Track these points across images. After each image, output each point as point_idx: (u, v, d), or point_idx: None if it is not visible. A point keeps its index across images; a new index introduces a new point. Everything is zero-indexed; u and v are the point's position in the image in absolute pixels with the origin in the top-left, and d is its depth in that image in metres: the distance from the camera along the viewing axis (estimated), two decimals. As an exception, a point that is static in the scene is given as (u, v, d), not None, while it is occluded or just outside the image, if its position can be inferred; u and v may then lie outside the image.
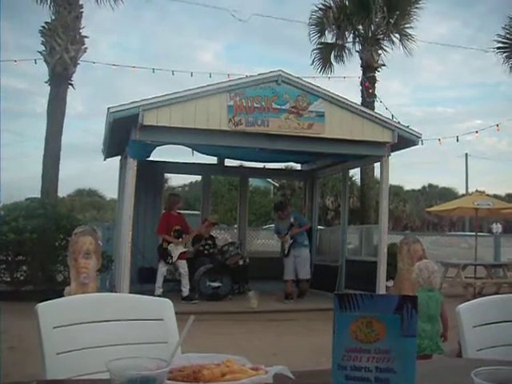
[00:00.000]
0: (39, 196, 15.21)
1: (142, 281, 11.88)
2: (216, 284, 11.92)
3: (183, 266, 11.64)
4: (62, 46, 16.14)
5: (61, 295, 2.22)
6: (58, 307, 2.22)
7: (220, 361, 1.65)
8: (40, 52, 16.58)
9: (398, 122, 12.14)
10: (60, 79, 16.24)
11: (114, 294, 2.76)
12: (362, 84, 19.82)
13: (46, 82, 16.43)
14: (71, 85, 16.69)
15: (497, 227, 23.60)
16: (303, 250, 12.76)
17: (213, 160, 14.95)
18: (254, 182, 28.99)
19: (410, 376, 1.32)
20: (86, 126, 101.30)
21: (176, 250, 11.55)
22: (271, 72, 11.03)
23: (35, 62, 17.12)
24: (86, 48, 16.96)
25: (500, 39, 20.34)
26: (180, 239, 11.66)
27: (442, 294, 6.42)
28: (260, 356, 1.62)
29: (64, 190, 46.27)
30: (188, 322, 1.53)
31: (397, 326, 1.30)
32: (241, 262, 12.59)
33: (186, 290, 11.50)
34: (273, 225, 26.34)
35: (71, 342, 2.15)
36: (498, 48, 20.50)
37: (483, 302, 2.81)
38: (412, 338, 1.31)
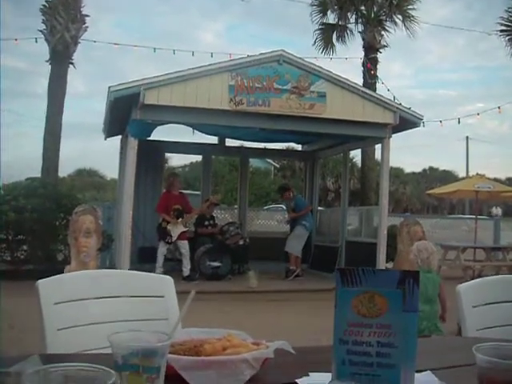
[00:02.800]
0: (40, 176, 15.20)
1: (143, 260, 11.90)
2: (216, 264, 11.93)
3: (184, 246, 11.65)
4: (63, 25, 16.03)
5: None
6: (59, 283, 2.21)
7: (221, 335, 1.65)
8: (41, 31, 16.49)
9: (400, 104, 12.10)
10: (61, 58, 16.16)
11: (115, 271, 2.75)
12: (363, 65, 19.73)
13: (46, 61, 16.36)
14: (72, 64, 16.61)
15: (497, 211, 23.61)
16: (297, 227, 12.97)
17: (213, 140, 14.91)
18: (254, 162, 28.96)
19: (411, 351, 1.33)
20: (86, 105, 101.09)
21: (175, 229, 11.54)
22: (273, 52, 10.99)
23: (36, 41, 17.03)
24: (86, 27, 16.87)
25: (503, 22, 20.21)
26: (180, 219, 11.65)
27: (440, 276, 6.41)
28: (259, 335, 1.63)
29: (65, 169, 46.17)
30: (189, 296, 1.53)
31: (399, 301, 1.30)
32: (241, 242, 12.61)
33: (186, 270, 11.53)
34: (273, 205, 26.53)
35: (72, 318, 2.15)
36: (501, 31, 20.37)
37: (483, 282, 2.81)
38: (413, 313, 1.32)
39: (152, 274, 2.53)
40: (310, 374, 1.55)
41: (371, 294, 1.31)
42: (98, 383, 1.04)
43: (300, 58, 11.29)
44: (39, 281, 2.12)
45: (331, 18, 20.93)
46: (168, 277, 2.47)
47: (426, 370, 1.58)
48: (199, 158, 16.81)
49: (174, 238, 11.52)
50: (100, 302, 2.27)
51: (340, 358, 1.34)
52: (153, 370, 1.28)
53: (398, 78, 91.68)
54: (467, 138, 45.76)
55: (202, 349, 1.54)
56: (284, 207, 14.92)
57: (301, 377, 1.53)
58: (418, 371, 1.39)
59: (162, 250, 11.60)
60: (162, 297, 2.38)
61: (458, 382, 1.50)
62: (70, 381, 1.08)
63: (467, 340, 2.21)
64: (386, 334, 1.31)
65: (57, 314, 2.11)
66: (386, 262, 11.69)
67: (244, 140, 14.92)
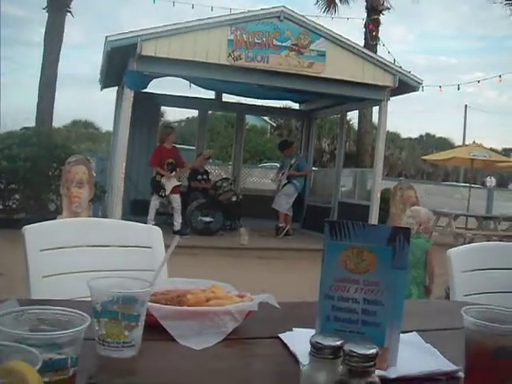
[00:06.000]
0: (34, 126, 15.09)
1: (135, 213, 11.87)
2: (208, 219, 11.94)
3: (176, 200, 11.63)
4: (62, -29, 15.75)
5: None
6: (46, 230, 2.18)
7: (205, 286, 1.63)
8: (39, -24, 16.21)
9: (400, 67, 12.00)
10: (59, 6, 15.88)
11: (103, 220, 2.72)
12: (365, 26, 19.53)
13: (44, 9, 16.09)
14: (70, 12, 16.35)
15: (490, 181, 23.63)
16: (287, 185, 12.88)
17: (210, 95, 14.82)
18: (250, 120, 28.77)
19: (398, 310, 1.30)
20: (83, 56, 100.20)
21: (169, 183, 11.49)
22: (274, 7, 10.87)
23: (33, -13, 16.75)
24: (86, -26, 16.59)
25: (509, -10, 19.99)
26: (173, 173, 11.60)
27: (431, 242, 6.33)
28: (247, 291, 1.62)
29: (60, 120, 45.82)
30: (173, 242, 1.50)
31: (388, 258, 1.27)
32: (233, 199, 12.59)
33: (177, 224, 11.52)
34: (268, 163, 26.47)
35: (57, 265, 2.13)
36: (506, 0, 20.14)
37: (474, 248, 2.81)
38: (402, 271, 1.29)
39: (140, 224, 2.49)
40: (293, 329, 1.53)
41: (360, 249, 1.28)
42: (72, 327, 1.02)
43: (301, 16, 11.15)
44: (25, 226, 2.09)
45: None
46: (156, 227, 2.45)
47: (411, 331, 1.57)
48: (195, 113, 16.71)
49: (167, 192, 11.49)
50: (87, 251, 2.25)
51: (325, 313, 1.32)
52: (132, 317, 1.26)
53: (399, 42, 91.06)
54: (466, 106, 45.50)
55: (185, 299, 1.52)
56: (278, 165, 14.82)
57: (284, 331, 1.51)
58: (403, 332, 1.37)
59: (155, 203, 11.59)
60: (150, 247, 2.35)
61: (444, 345, 1.48)
62: (44, 324, 1.06)
63: (455, 304, 2.20)
64: (374, 291, 1.29)
65: (42, 260, 2.09)
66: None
67: (241, 96, 14.80)
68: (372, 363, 0.98)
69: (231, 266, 9.58)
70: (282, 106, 18.06)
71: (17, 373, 0.79)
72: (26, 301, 1.75)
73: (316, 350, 1.00)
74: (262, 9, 10.93)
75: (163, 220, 11.71)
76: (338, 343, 1.00)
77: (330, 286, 1.30)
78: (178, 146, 12.69)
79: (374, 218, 11.56)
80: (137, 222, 2.52)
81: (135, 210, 12.19)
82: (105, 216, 12.28)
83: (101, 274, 2.11)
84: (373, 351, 0.98)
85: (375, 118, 14.95)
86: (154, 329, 1.39)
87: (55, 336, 0.98)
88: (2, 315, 1.02)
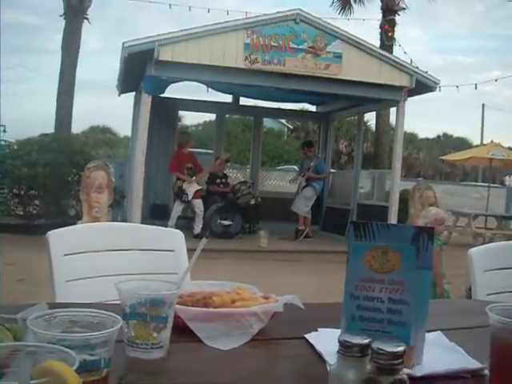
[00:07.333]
0: (53, 132, 15.20)
1: (154, 217, 11.93)
2: (227, 222, 11.95)
3: (198, 205, 11.65)
4: (78, -21, 15.89)
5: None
6: (69, 235, 2.20)
7: (230, 288, 1.65)
8: (56, -15, 16.38)
9: (417, 67, 11.95)
10: (75, 13, 16.05)
11: (125, 224, 2.75)
12: (381, 27, 19.48)
13: (61, 16, 16.24)
14: (87, 19, 16.49)
15: (509, 180, 23.46)
16: (306, 188, 12.81)
17: (228, 99, 14.85)
18: (267, 123, 28.78)
19: (423, 308, 1.31)
20: (100, 62, 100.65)
21: (191, 187, 11.51)
22: (289, 10, 10.87)
23: (51, -5, 16.94)
24: (102, -19, 16.73)
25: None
26: (194, 177, 11.63)
27: (439, 241, 6.08)
28: (267, 292, 1.64)
29: (78, 126, 46.13)
30: (200, 245, 1.51)
31: (412, 258, 1.28)
32: (252, 202, 12.58)
33: (197, 228, 11.54)
34: (285, 166, 26.45)
35: (81, 269, 2.15)
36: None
37: (496, 247, 2.80)
38: (427, 271, 1.29)
39: (162, 227, 2.51)
40: (318, 329, 1.54)
41: (384, 249, 1.29)
42: (104, 328, 1.03)
43: (317, 18, 11.15)
44: (49, 232, 2.11)
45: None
46: (178, 231, 2.47)
47: (436, 331, 1.57)
48: (213, 117, 16.74)
49: (190, 197, 11.52)
50: (110, 255, 2.26)
51: (350, 313, 1.33)
52: (160, 319, 1.28)
53: (415, 43, 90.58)
54: (483, 105, 45.12)
55: (211, 301, 1.53)
56: (297, 168, 14.79)
57: (309, 332, 1.52)
58: (427, 331, 1.38)
59: (178, 208, 11.62)
60: (172, 251, 2.37)
61: (468, 344, 1.48)
62: (76, 326, 1.07)
63: (477, 303, 2.20)
64: (398, 290, 1.29)
65: (66, 265, 2.11)
66: (397, 225, 11.65)
67: (258, 99, 14.83)
68: (400, 360, 0.99)
69: (251, 268, 9.59)
70: (299, 108, 18.03)
71: (55, 372, 0.80)
72: (55, 304, 1.78)
73: (344, 348, 1.01)
74: (278, 12, 10.93)
75: (182, 224, 11.75)
76: (366, 341, 1.01)
77: (355, 286, 1.31)
78: (195, 149, 12.71)
79: (393, 219, 11.51)
80: (156, 225, 2.54)
81: (154, 215, 12.24)
82: (124, 221, 12.30)
83: (125, 278, 2.13)
84: (401, 349, 0.99)
85: (393, 119, 14.92)
86: (182, 331, 1.41)
87: (89, 337, 0.99)
88: (34, 318, 1.04)
